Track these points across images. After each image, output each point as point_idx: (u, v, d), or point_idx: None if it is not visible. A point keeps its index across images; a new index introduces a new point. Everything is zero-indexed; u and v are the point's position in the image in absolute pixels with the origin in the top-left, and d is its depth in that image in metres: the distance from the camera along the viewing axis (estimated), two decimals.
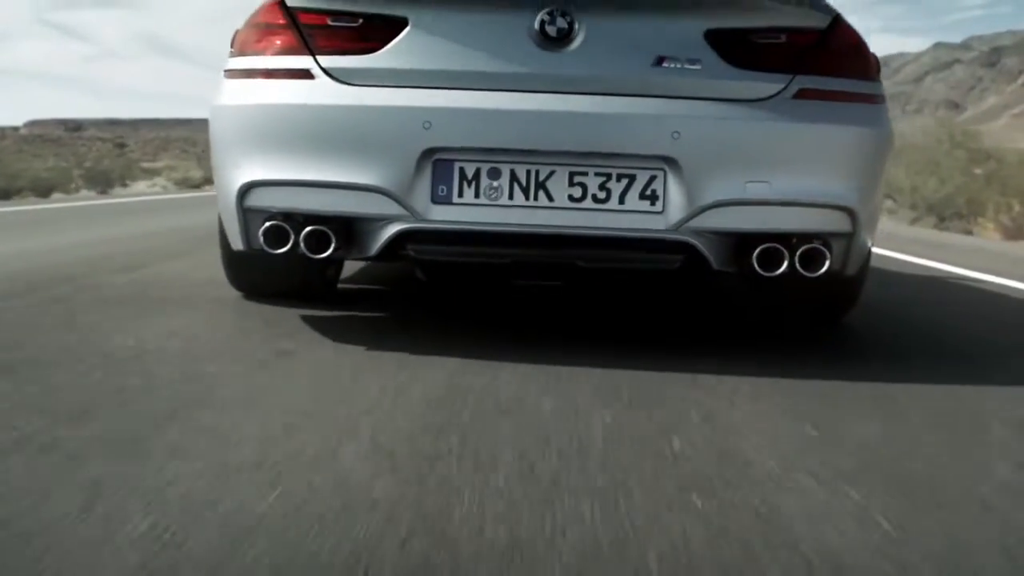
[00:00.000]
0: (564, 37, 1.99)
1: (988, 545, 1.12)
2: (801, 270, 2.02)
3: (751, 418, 1.68)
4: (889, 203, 10.92)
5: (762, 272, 2.01)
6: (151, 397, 1.69)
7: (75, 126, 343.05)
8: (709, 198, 1.95)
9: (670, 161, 1.94)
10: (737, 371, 2.03)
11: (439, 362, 2.02)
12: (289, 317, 2.52)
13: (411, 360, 2.05)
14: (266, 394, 1.77)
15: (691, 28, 2.01)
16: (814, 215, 2.03)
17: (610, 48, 2.00)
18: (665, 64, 1.99)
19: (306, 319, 2.50)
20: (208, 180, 17.47)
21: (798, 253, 2.01)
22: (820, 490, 1.29)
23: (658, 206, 1.97)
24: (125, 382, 1.79)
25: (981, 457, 1.54)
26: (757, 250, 2.00)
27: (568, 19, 1.98)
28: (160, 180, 19.32)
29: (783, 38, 2.05)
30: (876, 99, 2.14)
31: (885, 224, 7.47)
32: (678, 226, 1.98)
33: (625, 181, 1.96)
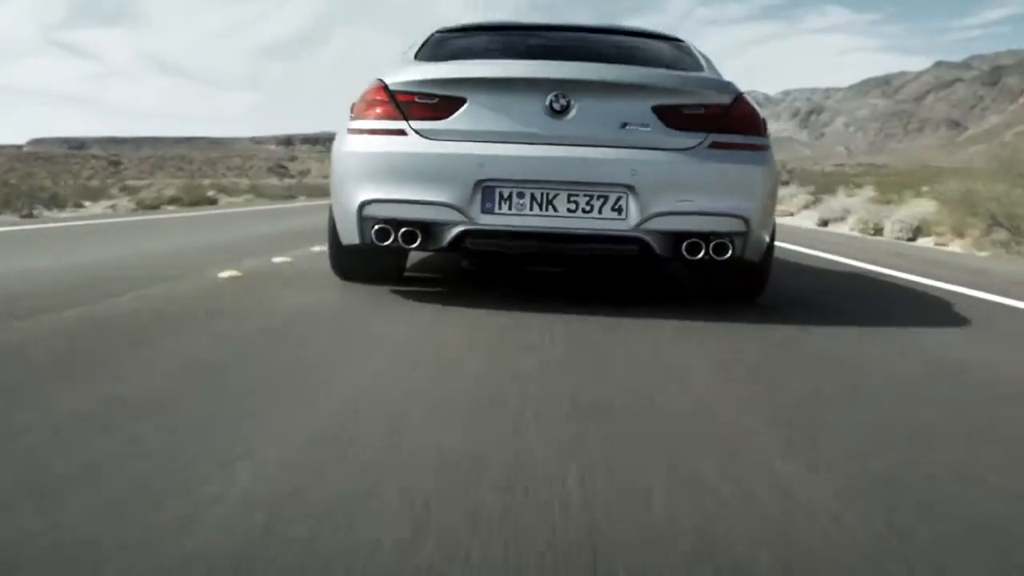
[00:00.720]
0: (563, 110, 3.23)
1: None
2: (713, 256, 3.26)
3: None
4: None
5: (688, 257, 3.27)
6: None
7: (78, 144, 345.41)
8: (654, 210, 3.19)
9: (630, 187, 3.19)
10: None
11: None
12: (380, 290, 3.76)
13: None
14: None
15: (644, 105, 3.26)
16: (721, 221, 3.24)
17: (592, 117, 3.23)
18: (627, 127, 3.24)
19: (391, 292, 3.75)
20: (172, 200, 17.38)
21: (711, 244, 3.24)
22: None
23: (623, 215, 3.19)
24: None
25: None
26: (685, 242, 3.25)
27: (566, 100, 3.22)
28: (124, 201, 17.46)
29: (702, 110, 3.29)
30: (763, 147, 3.40)
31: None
32: (635, 228, 3.19)
33: (602, 200, 3.19)
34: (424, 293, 3.84)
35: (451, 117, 3.27)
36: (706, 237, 3.25)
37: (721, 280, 3.97)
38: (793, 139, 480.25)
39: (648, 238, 3.22)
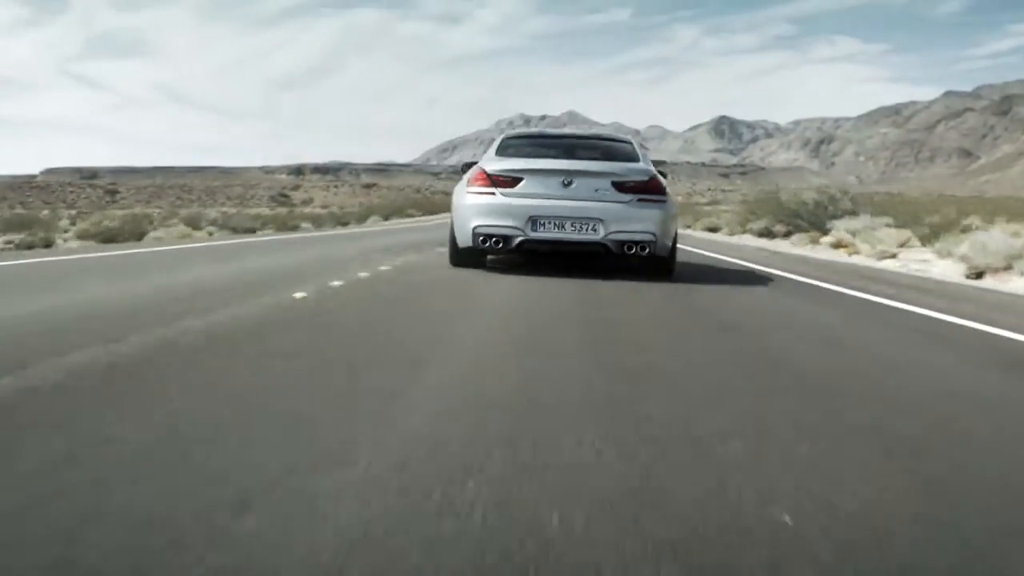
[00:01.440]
0: (569, 185, 6.87)
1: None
2: (639, 252, 6.91)
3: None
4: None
5: (627, 252, 6.89)
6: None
7: (90, 174, 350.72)
8: (611, 230, 6.77)
9: (600, 220, 6.76)
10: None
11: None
12: (476, 272, 7.49)
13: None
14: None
15: (606, 181, 6.87)
16: (642, 235, 6.74)
17: (583, 187, 6.81)
18: (598, 191, 6.86)
19: (484, 270, 7.47)
20: (134, 234, 14.20)
21: (638, 246, 6.90)
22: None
23: (596, 233, 6.75)
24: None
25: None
26: (624, 245, 6.91)
27: (570, 180, 6.86)
28: (83, 226, 15.85)
29: (634, 183, 6.98)
30: (664, 201, 6.95)
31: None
32: (602, 238, 6.73)
33: (586, 225, 6.73)
34: (497, 272, 7.60)
35: (515, 187, 6.98)
36: (636, 243, 6.94)
37: (646, 265, 7.33)
38: (804, 168, 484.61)
39: (608, 243, 6.86)
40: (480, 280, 6.65)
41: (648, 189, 6.96)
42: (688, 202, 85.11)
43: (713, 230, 26.11)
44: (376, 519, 1.47)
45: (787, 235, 18.20)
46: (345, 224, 30.75)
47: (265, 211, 50.03)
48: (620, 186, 6.91)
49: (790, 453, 1.99)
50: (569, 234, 6.80)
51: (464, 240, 7.09)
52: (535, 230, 6.81)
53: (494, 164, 7.12)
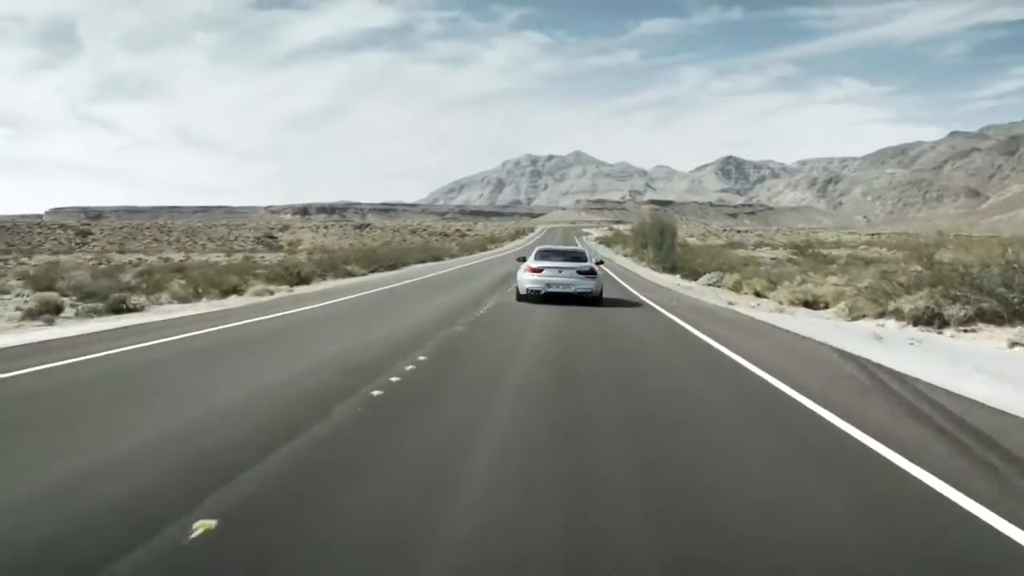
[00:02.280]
0: (563, 270, 15.99)
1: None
2: (587, 296, 15.72)
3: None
4: None
5: (584, 297, 15.72)
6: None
7: (95, 214, 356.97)
8: (577, 289, 15.70)
9: (572, 285, 15.75)
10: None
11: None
12: (523, 304, 14.13)
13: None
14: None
15: (575, 270, 16.06)
16: (588, 291, 15.77)
17: (567, 273, 15.92)
18: (571, 274, 15.89)
19: (529, 303, 13.84)
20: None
21: (587, 295, 15.74)
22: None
23: (572, 289, 15.75)
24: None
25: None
26: (581, 295, 15.76)
27: (562, 270, 16.01)
28: None
29: (587, 269, 16.12)
30: (597, 275, 16.11)
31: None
32: (574, 292, 15.68)
33: (569, 287, 15.72)
34: (532, 306, 13.89)
35: (541, 273, 15.83)
36: (586, 294, 15.41)
37: (589, 302, 15.37)
38: (812, 208, 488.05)
39: (576, 293, 15.50)
40: (530, 306, 14.84)
41: (590, 272, 15.91)
42: (705, 244, 73.61)
43: (811, 304, 17.67)
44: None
45: (968, 322, 11.98)
46: (301, 281, 22.23)
47: (222, 259, 41.66)
48: (579, 271, 15.86)
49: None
50: (561, 291, 15.46)
51: (522, 291, 15.98)
52: (548, 289, 15.56)
53: (534, 263, 16.11)
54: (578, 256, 17.00)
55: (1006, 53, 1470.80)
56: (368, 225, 78.51)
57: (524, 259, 16.66)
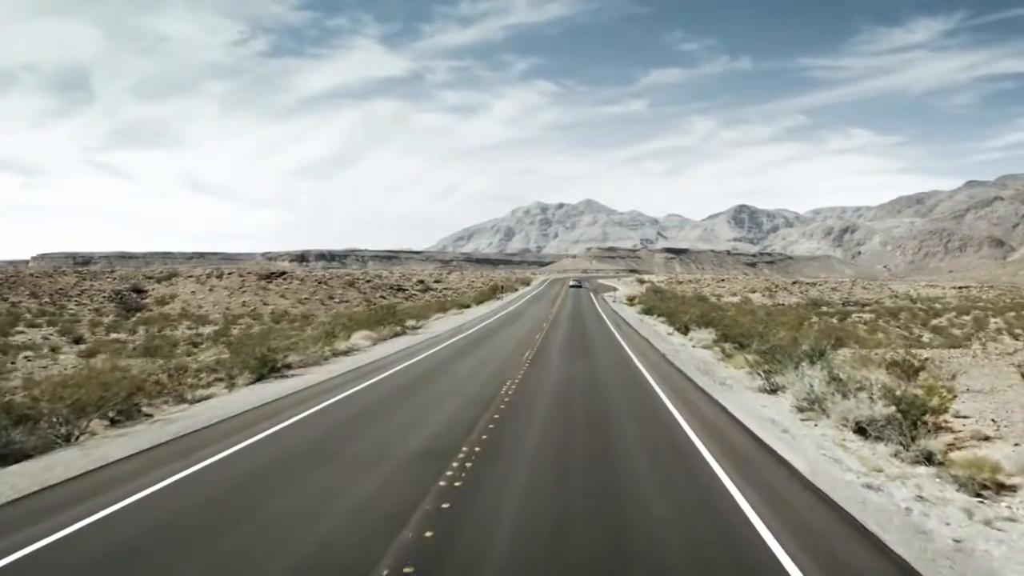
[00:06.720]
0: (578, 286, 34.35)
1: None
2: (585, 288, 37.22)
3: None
4: None
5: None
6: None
7: (84, 260, 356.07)
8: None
9: (581, 287, 41.16)
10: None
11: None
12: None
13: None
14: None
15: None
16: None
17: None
18: (579, 285, 49.00)
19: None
20: None
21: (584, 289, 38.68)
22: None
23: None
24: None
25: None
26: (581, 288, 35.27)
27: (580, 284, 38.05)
28: None
29: (584, 285, 42.93)
30: (583, 287, 53.61)
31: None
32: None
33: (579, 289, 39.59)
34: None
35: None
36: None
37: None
38: (832, 257, 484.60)
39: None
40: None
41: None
42: (774, 303, 53.19)
43: None
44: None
45: None
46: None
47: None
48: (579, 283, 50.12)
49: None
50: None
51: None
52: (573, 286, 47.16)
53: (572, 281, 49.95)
54: (579, 280, 47.44)
55: (1013, 104, 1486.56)
56: (284, 274, 69.63)
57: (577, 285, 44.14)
